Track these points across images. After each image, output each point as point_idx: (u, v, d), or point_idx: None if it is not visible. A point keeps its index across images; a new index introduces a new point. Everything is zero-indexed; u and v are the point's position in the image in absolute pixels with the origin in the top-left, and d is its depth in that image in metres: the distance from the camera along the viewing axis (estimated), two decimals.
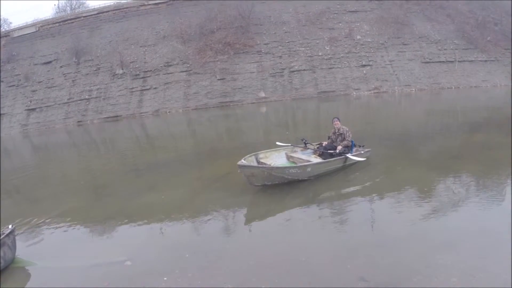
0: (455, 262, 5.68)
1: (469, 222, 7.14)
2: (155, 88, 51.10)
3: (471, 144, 14.64)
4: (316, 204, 8.96)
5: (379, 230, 7.15)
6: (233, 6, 55.64)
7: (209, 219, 8.50)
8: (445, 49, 53.93)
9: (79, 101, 51.85)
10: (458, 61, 53.06)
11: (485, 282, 5.12)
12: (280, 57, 52.39)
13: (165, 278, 5.91)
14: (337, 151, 10.97)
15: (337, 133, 11.55)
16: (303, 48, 53.18)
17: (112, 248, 7.51)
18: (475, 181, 9.82)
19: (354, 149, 11.63)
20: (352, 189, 9.71)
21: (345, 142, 11.23)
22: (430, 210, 7.88)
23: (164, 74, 52.01)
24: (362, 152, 11.70)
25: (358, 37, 54.14)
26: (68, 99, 52.28)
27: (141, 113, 48.94)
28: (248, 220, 8.31)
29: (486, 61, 53.97)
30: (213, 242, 7.26)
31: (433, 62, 52.55)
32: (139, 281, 5.94)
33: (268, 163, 10.98)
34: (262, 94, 48.82)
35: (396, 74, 50.92)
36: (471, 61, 53.59)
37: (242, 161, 9.66)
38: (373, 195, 8.98)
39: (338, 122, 11.58)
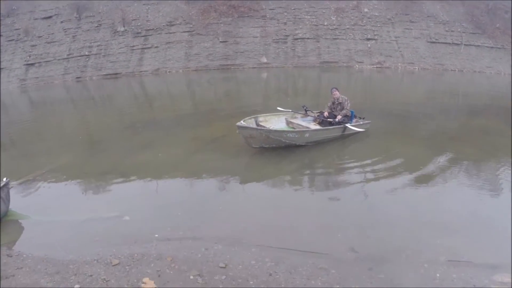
0: (444, 242, 5.69)
1: (462, 205, 7.15)
2: (156, 47, 50.26)
3: (470, 127, 14.58)
4: (312, 170, 9.00)
5: (372, 203, 7.17)
6: None
7: (203, 179, 8.51)
8: (452, 31, 53.31)
9: (78, 57, 50.94)
10: (464, 45, 52.57)
11: (472, 265, 5.14)
12: (285, 23, 51.62)
13: (156, 235, 5.92)
14: (337, 119, 10.94)
15: (336, 103, 11.46)
16: (308, 16, 52.38)
17: (105, 203, 7.50)
18: (471, 164, 9.82)
19: (354, 120, 11.62)
20: (348, 159, 9.72)
21: (344, 111, 11.18)
22: (424, 188, 7.93)
23: (166, 33, 51.06)
24: (362, 123, 11.70)
25: (366, 10, 53.35)
26: (68, 55, 51.33)
27: (141, 71, 48.29)
28: (243, 182, 8.32)
29: (492, 47, 53.47)
30: (206, 201, 7.28)
31: (439, 42, 52.00)
32: (130, 237, 5.94)
33: (267, 126, 10.97)
34: (264, 60, 48.31)
35: (400, 51, 50.42)
36: (478, 46, 53.05)
37: (242, 122, 9.66)
38: (368, 167, 8.97)
39: (337, 91, 11.49)
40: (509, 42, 54.31)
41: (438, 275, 4.93)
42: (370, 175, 8.53)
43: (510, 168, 9.11)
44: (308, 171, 8.94)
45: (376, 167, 8.98)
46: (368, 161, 9.34)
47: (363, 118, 12.15)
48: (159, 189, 8.12)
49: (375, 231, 6.06)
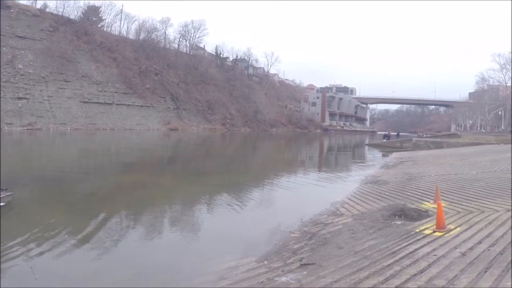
0: None
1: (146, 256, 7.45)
2: None
3: (124, 184, 15.65)
4: None
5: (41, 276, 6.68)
6: None
7: None
8: (105, 91, 56.04)
9: None
10: (116, 104, 55.88)
11: None
12: None
13: None
14: None
15: None
16: None
17: None
18: (130, 218, 10.44)
19: None
20: None
21: None
22: (88, 250, 7.74)
23: None
24: (1, 196, 10.76)
25: (20, 66, 51.04)
26: None
27: None
28: None
29: (142, 106, 58.58)
30: None
31: (92, 102, 53.85)
32: None
33: None
34: None
35: (53, 111, 50.00)
36: (129, 105, 57.24)
37: None
38: (23, 244, 8.20)
39: None
40: (157, 100, 60.36)
41: None
42: (32, 252, 7.77)
43: None
44: None
45: (27, 242, 8.32)
46: (14, 237, 8.58)
47: (6, 190, 11.20)
48: None
49: None
